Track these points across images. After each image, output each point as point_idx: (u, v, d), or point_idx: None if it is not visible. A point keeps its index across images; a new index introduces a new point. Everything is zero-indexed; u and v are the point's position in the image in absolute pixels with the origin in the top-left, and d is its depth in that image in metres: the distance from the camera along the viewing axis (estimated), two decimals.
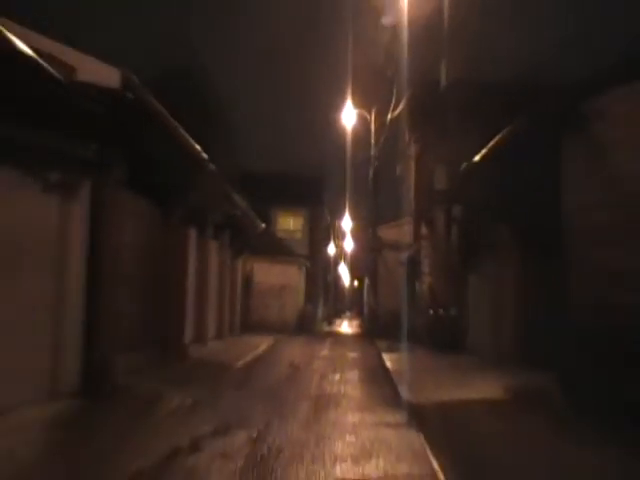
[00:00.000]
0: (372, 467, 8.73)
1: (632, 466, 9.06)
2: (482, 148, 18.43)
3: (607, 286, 12.30)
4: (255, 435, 10.60)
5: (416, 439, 10.55)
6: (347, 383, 18.36)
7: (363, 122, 51.09)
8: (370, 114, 48.29)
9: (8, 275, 11.51)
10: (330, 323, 62.83)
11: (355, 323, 62.12)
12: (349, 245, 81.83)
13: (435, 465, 8.81)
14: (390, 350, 27.35)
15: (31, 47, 9.87)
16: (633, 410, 10.93)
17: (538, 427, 11.63)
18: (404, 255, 42.32)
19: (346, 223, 75.09)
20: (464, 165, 21.90)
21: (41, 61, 10.17)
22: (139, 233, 17.30)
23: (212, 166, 21.42)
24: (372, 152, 48.16)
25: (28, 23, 11.85)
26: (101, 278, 13.88)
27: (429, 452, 9.54)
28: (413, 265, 38.08)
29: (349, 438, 10.61)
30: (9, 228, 11.37)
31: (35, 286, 12.35)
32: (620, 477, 8.75)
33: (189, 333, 23.87)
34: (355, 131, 53.56)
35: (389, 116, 39.27)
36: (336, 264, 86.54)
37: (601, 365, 12.01)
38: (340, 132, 55.07)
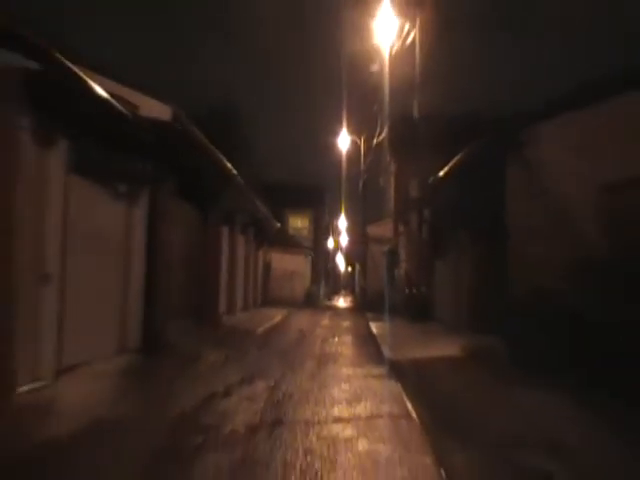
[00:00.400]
0: (362, 408, 8.77)
1: (537, 393, 9.77)
2: (445, 166, 18.49)
3: (533, 272, 12.70)
4: (272, 384, 10.61)
5: (395, 387, 10.57)
6: (342, 345, 18.39)
7: (355, 145, 51.62)
8: (360, 139, 48.86)
9: (101, 256, 11.76)
10: (330, 299, 62.67)
11: (349, 299, 61.93)
12: (344, 239, 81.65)
13: (409, 405, 8.88)
14: (375, 320, 27.36)
15: (107, 91, 9.97)
16: (550, 360, 11.38)
17: (483, 374, 11.89)
18: (386, 247, 42.32)
19: (342, 222, 75.12)
20: (431, 179, 21.97)
21: (114, 102, 10.26)
22: (184, 230, 17.37)
23: (240, 179, 21.45)
24: (362, 168, 48.68)
25: (105, 70, 11.93)
26: (156, 263, 13.97)
27: (404, 396, 9.59)
28: (393, 255, 38.05)
29: (344, 386, 10.61)
30: (97, 224, 11.53)
31: (112, 266, 12.51)
32: (528, 398, 9.44)
33: (222, 306, 23.94)
34: (348, 152, 54.37)
35: (374, 141, 39.33)
36: (334, 254, 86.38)
37: (530, 329, 12.33)
38: (337, 152, 55.76)
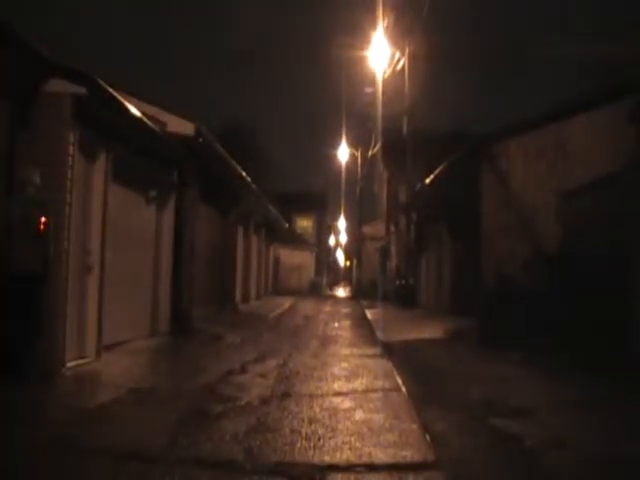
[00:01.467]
0: (358, 383, 8.82)
1: (502, 364, 10.30)
2: (430, 175, 18.63)
3: (500, 263, 13.15)
4: (282, 362, 10.68)
5: (387, 365, 10.63)
6: (341, 328, 18.49)
7: (353, 156, 51.82)
8: (357, 151, 49.09)
9: (135, 251, 11.93)
10: (331, 289, 62.74)
11: (347, 289, 61.94)
12: (343, 237, 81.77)
13: (399, 380, 8.95)
14: (370, 307, 27.44)
15: (140, 110, 10.11)
16: (512, 336, 11.87)
17: (461, 351, 12.30)
18: (379, 244, 42.45)
19: (341, 223, 75.32)
20: (418, 186, 22.15)
21: (146, 120, 10.40)
22: (206, 229, 17.47)
23: (254, 186, 21.59)
24: (358, 176, 48.86)
25: (138, 93, 12.06)
26: (182, 257, 14.07)
27: (395, 373, 9.64)
28: (385, 251, 38.20)
29: (343, 364, 10.66)
30: (131, 224, 11.67)
31: (144, 260, 12.66)
32: (495, 369, 10.01)
33: (238, 295, 24.07)
34: (347, 163, 54.47)
35: (369, 153, 39.47)
36: (335, 250, 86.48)
37: (497, 311, 12.70)
38: (337, 163, 55.96)
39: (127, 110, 9.44)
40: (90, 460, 5.08)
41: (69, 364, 8.45)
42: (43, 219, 7.77)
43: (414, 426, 6.28)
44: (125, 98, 9.49)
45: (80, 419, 6.27)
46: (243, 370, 9.70)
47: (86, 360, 9.14)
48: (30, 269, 7.65)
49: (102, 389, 7.97)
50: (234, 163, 17.68)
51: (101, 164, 9.63)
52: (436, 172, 17.53)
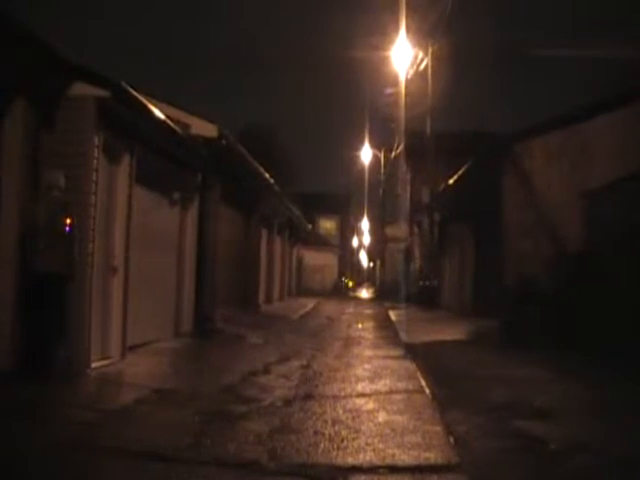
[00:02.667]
0: (381, 385, 8.80)
1: (524, 366, 10.24)
2: (452, 175, 18.57)
3: (524, 264, 13.07)
4: (305, 363, 10.67)
5: (410, 366, 10.58)
6: (365, 330, 18.46)
7: (376, 157, 51.83)
8: (380, 152, 49.02)
9: (158, 253, 11.97)
10: (354, 291, 62.67)
11: (370, 291, 61.76)
12: (366, 239, 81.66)
13: (423, 382, 8.92)
14: (393, 308, 27.35)
15: (164, 113, 10.17)
16: (533, 337, 11.92)
17: (484, 352, 12.18)
18: (402, 245, 42.34)
19: (364, 224, 75.20)
20: (440, 187, 22.06)
21: (170, 122, 10.47)
22: (229, 231, 17.51)
23: (276, 188, 21.64)
24: (382, 177, 48.85)
25: (162, 96, 12.16)
26: (205, 259, 14.11)
27: (419, 375, 9.60)
28: (408, 252, 38.08)
29: (366, 366, 10.62)
30: (155, 226, 11.72)
31: (168, 261, 12.73)
32: (517, 371, 9.87)
33: (261, 296, 24.08)
34: (370, 163, 54.56)
35: (392, 154, 39.40)
36: (358, 251, 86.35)
37: (522, 313, 12.59)
38: (360, 164, 56.07)
39: (151, 113, 9.51)
40: (113, 460, 5.11)
41: (94, 364, 8.52)
42: (68, 221, 7.84)
43: (438, 428, 6.26)
44: (149, 101, 9.56)
45: (104, 419, 6.33)
46: (266, 371, 9.69)
47: (110, 361, 9.21)
48: (55, 271, 7.72)
49: (126, 390, 8.02)
50: (257, 165, 17.73)
51: (125, 166, 9.70)
52: (459, 173, 17.46)
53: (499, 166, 13.53)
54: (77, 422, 6.09)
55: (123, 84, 8.40)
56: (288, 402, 7.41)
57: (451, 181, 18.95)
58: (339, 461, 5.17)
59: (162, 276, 12.31)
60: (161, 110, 10.17)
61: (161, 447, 5.34)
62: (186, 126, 12.71)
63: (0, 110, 7.58)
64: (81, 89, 7.98)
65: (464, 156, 16.97)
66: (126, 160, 9.70)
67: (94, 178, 8.34)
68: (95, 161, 8.33)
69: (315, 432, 6.01)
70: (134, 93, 8.74)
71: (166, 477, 4.77)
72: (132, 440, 5.62)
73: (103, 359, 9.06)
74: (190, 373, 9.66)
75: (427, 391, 8.32)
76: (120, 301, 9.57)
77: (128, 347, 9.81)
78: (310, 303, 30.08)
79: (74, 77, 7.95)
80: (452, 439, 5.83)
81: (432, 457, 5.31)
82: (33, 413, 6.26)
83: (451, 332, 15.48)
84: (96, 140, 8.31)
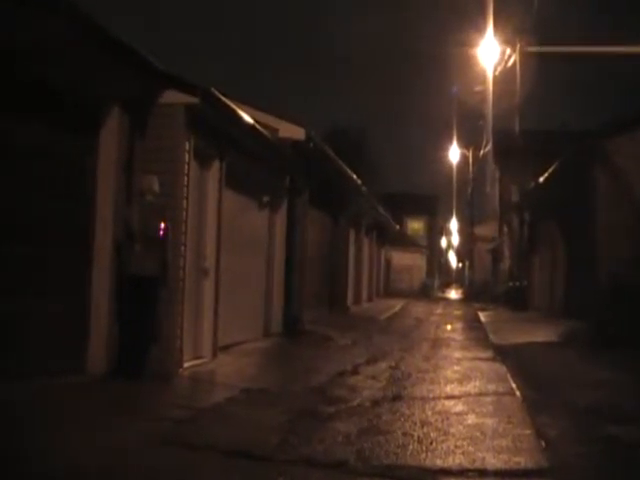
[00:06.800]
0: (471, 387, 8.69)
1: (618, 370, 9.84)
2: (541, 173, 18.18)
3: (616, 263, 12.68)
4: (393, 364, 10.61)
5: (500, 368, 10.41)
6: (453, 331, 18.27)
7: (463, 156, 51.29)
8: (468, 151, 48.48)
9: (248, 255, 12.16)
10: (442, 291, 61.91)
11: (459, 291, 60.98)
12: (455, 239, 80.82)
13: (513, 385, 8.77)
14: (482, 309, 27.00)
15: (252, 117, 10.32)
16: (632, 341, 11.40)
17: (576, 354, 11.82)
18: (491, 245, 41.72)
19: (453, 224, 74.45)
20: (531, 185, 21.60)
21: (259, 127, 10.62)
22: (317, 232, 17.61)
23: (364, 189, 21.64)
24: (470, 176, 48.28)
25: (251, 101, 12.35)
26: (294, 260, 14.26)
27: (509, 377, 9.45)
28: (497, 252, 37.50)
29: (455, 367, 10.51)
30: (244, 229, 11.92)
31: (258, 263, 12.91)
32: (611, 373, 9.57)
33: (350, 297, 24.13)
34: (458, 163, 54.08)
35: (481, 152, 38.82)
36: (446, 251, 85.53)
37: (614, 313, 12.28)
38: (448, 163, 55.65)
39: (240, 118, 9.67)
40: (204, 457, 5.23)
41: (186, 364, 8.72)
42: (162, 225, 8.06)
43: (528, 431, 6.13)
44: (237, 106, 9.72)
45: (196, 417, 6.47)
46: (354, 372, 9.69)
47: (202, 361, 9.41)
48: (149, 274, 7.94)
49: (217, 389, 8.22)
50: (344, 166, 17.78)
51: (215, 170, 9.90)
52: (549, 171, 17.07)
53: (589, 163, 13.16)
54: (170, 419, 6.26)
55: (212, 90, 8.57)
56: (376, 403, 7.40)
57: (541, 179, 18.55)
58: (428, 463, 5.14)
59: (252, 277, 12.49)
60: (249, 114, 10.32)
61: (250, 446, 5.41)
62: (274, 129, 12.86)
63: (97, 119, 7.90)
64: (172, 96, 8.20)
65: (554, 154, 16.58)
66: (216, 164, 9.90)
67: (185, 183, 8.55)
68: (186, 166, 8.54)
69: (404, 433, 5.99)
70: (223, 99, 8.92)
71: (255, 475, 4.85)
72: (222, 438, 5.73)
73: (195, 359, 9.27)
74: (279, 373, 9.79)
75: (517, 394, 8.17)
76: (211, 302, 9.76)
77: (219, 347, 10.00)
78: (398, 304, 29.93)
79: (165, 85, 8.18)
80: (543, 443, 5.70)
81: (522, 461, 5.20)
82: (129, 411, 6.48)
83: (542, 333, 15.11)
84: (187, 145, 8.52)
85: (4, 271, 6.55)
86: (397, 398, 7.74)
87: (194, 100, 8.19)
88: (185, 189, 8.56)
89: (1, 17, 5.80)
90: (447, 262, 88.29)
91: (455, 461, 5.19)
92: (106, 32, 6.74)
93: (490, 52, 28.26)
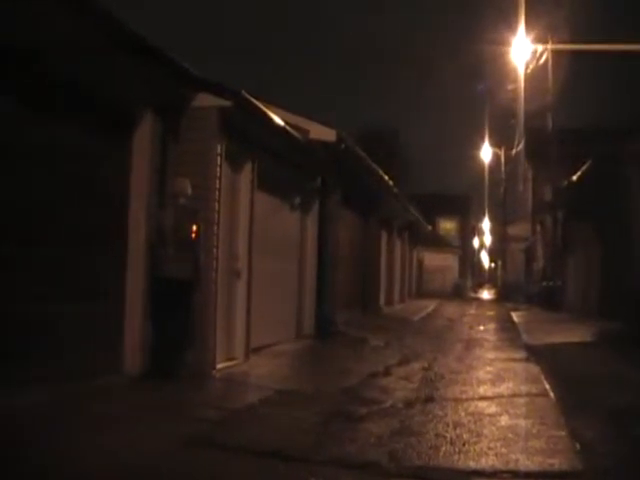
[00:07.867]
0: (504, 388, 8.64)
1: None
2: (574, 172, 18.01)
3: None
4: (426, 365, 10.58)
5: (533, 369, 10.33)
6: (486, 332, 18.15)
7: (496, 155, 50.94)
8: (500, 150, 48.17)
9: (280, 257, 12.21)
10: (475, 292, 61.45)
11: (492, 292, 60.48)
12: (487, 239, 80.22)
13: (547, 386, 8.70)
14: (515, 309, 26.79)
15: (283, 120, 10.37)
16: None
17: (611, 355, 11.70)
18: (524, 245, 41.38)
19: (485, 224, 73.95)
20: (564, 184, 21.38)
21: (290, 129, 10.66)
22: (349, 234, 17.60)
23: (395, 189, 21.59)
24: (502, 176, 47.99)
25: (282, 103, 12.40)
26: (325, 262, 14.26)
27: (542, 378, 9.37)
28: (530, 252, 37.18)
29: (488, 368, 10.45)
30: (276, 230, 11.96)
31: (290, 264, 12.96)
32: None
33: (382, 298, 24.08)
34: (490, 162, 53.76)
35: (513, 151, 38.56)
36: (479, 251, 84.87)
37: None
38: (480, 163, 55.31)
39: (271, 121, 9.72)
40: (238, 458, 5.27)
41: (219, 366, 8.78)
42: (195, 227, 8.14)
43: (562, 433, 6.07)
44: (268, 108, 9.77)
45: (229, 419, 6.53)
46: (387, 373, 9.69)
47: (235, 362, 9.47)
48: (182, 276, 8.02)
49: (250, 390, 8.26)
50: (376, 167, 17.75)
51: (247, 173, 9.96)
52: (582, 169, 16.90)
53: (624, 162, 13.01)
54: (204, 420, 6.32)
55: (244, 93, 8.63)
56: (409, 404, 7.39)
57: (574, 178, 18.37)
58: (460, 465, 5.12)
59: (284, 279, 12.54)
60: (280, 116, 10.36)
61: (283, 446, 5.43)
62: (305, 131, 12.89)
63: (131, 122, 8.00)
64: (204, 100, 8.28)
65: (587, 152, 16.41)
66: (248, 167, 9.96)
67: (217, 185, 8.61)
68: (218, 169, 8.61)
69: (436, 435, 5.97)
70: (254, 102, 8.98)
71: (288, 476, 4.88)
72: (255, 439, 5.77)
73: (228, 360, 9.33)
74: (312, 374, 9.82)
75: (551, 395, 8.10)
76: (244, 304, 9.82)
77: (252, 349, 10.05)
78: (430, 305, 29.82)
79: (198, 88, 8.26)
80: (578, 445, 5.64)
81: (556, 463, 5.16)
82: (164, 411, 6.54)
83: (576, 334, 14.95)
84: (219, 148, 8.58)
85: (38, 273, 6.65)
86: (429, 399, 7.72)
87: (227, 103, 8.25)
88: (217, 192, 8.62)
89: (38, 18, 5.89)
90: (479, 262, 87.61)
91: (488, 463, 5.17)
92: (141, 39, 6.82)
93: (522, 50, 28.06)
